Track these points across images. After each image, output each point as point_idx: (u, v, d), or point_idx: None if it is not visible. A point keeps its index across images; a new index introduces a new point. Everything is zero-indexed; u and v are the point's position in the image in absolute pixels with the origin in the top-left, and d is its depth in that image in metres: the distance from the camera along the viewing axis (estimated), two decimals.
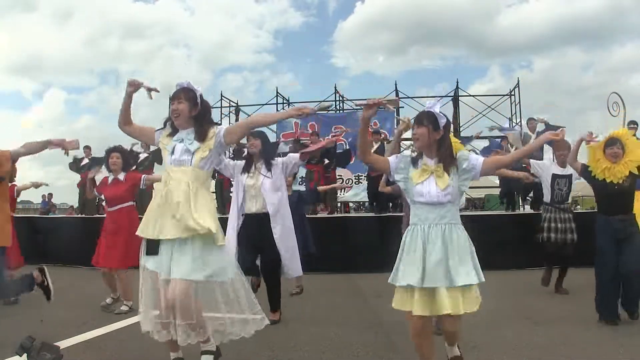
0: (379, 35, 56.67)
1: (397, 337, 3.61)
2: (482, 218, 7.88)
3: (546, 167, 5.24)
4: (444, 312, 2.28)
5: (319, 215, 8.49)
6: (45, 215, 13.14)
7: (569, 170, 5.01)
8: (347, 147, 10.89)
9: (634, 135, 6.04)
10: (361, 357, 3.19)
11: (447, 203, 2.40)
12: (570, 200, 5.26)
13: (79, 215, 9.58)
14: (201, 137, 2.65)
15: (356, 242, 7.48)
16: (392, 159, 2.54)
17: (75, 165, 9.80)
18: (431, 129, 2.40)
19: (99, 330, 3.84)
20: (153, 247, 2.60)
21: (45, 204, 16.18)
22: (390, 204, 8.68)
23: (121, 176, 4.79)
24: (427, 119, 2.42)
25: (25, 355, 2.92)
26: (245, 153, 4.28)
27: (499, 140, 9.59)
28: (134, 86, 2.69)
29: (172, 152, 2.67)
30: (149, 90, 2.74)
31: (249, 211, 4.03)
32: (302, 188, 9.71)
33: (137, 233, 2.68)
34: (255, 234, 4.01)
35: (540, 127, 8.49)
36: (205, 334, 2.66)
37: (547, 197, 5.27)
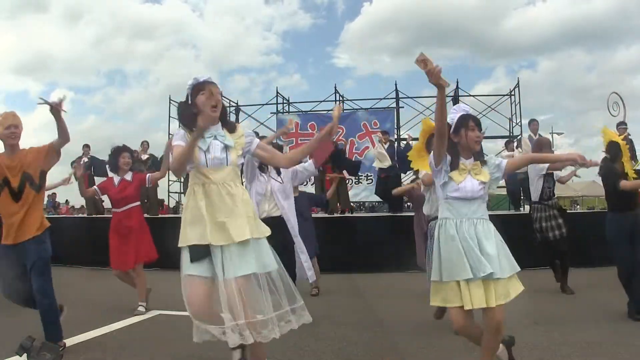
0: (385, 36, 56.62)
1: (397, 337, 3.62)
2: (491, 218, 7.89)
3: (533, 167, 5.28)
4: (498, 302, 2.36)
5: (319, 215, 8.49)
6: (52, 215, 13.17)
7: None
8: (359, 159, 10.87)
9: (626, 135, 6.14)
10: (361, 357, 3.19)
11: (479, 199, 2.50)
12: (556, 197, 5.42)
13: (80, 215, 9.58)
14: (231, 130, 2.52)
15: (356, 242, 7.48)
16: (430, 157, 2.60)
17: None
18: None
19: (99, 330, 3.84)
20: (201, 251, 2.38)
21: (51, 204, 16.19)
22: (407, 205, 8.65)
23: (128, 176, 4.74)
24: (480, 124, 2.55)
25: (25, 355, 2.92)
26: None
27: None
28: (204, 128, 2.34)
29: (207, 151, 2.43)
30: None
31: (265, 214, 3.89)
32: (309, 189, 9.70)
33: (190, 243, 2.39)
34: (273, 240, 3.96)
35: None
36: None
37: (535, 196, 5.36)
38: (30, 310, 4.22)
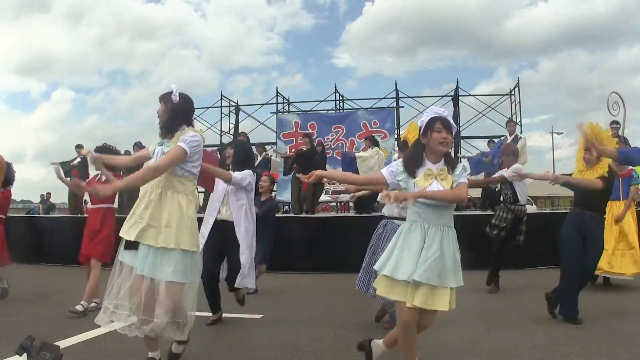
0: (387, 37, 56.73)
1: None
2: (482, 218, 7.89)
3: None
4: (441, 308, 2.39)
5: (318, 215, 8.49)
6: (46, 214, 13.18)
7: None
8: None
9: (617, 134, 6.11)
10: (361, 357, 3.18)
11: (444, 205, 2.49)
12: (523, 202, 5.45)
13: (78, 215, 9.57)
14: (166, 134, 2.70)
15: (355, 242, 7.46)
16: (384, 171, 2.62)
17: (67, 165, 9.88)
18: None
19: (99, 330, 3.82)
20: (132, 243, 2.60)
21: (44, 202, 16.25)
22: (376, 204, 8.62)
23: (104, 177, 4.68)
24: (452, 126, 2.53)
25: (25, 355, 2.92)
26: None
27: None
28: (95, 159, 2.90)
29: (154, 155, 2.72)
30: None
31: (220, 216, 4.00)
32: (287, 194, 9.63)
33: (120, 234, 2.67)
34: (222, 240, 3.97)
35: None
36: (186, 330, 2.75)
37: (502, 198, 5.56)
38: (30, 310, 4.23)
